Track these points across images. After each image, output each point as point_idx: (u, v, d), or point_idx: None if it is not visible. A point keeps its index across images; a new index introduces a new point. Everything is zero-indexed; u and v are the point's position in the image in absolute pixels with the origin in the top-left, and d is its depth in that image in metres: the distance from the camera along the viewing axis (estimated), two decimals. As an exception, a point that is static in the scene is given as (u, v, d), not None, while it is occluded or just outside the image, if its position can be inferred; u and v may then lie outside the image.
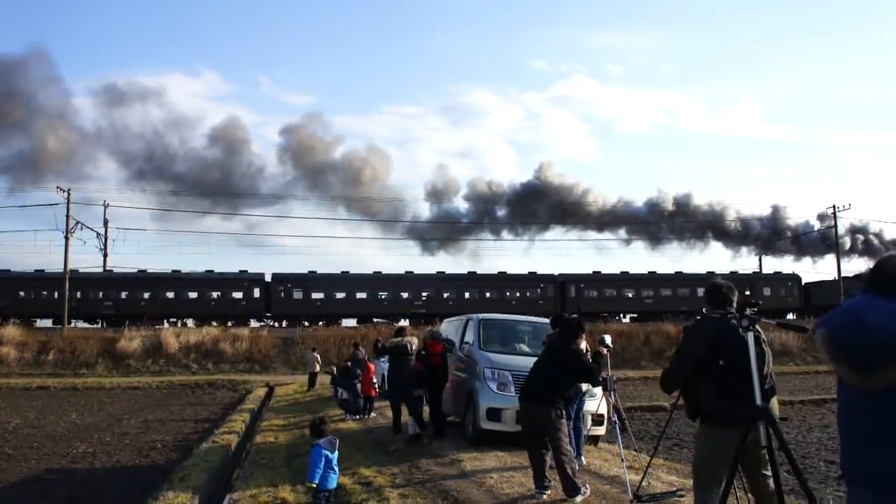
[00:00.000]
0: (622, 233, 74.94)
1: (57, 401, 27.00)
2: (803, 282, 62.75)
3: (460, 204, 75.79)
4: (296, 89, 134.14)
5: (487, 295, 54.83)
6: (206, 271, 53.17)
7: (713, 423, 5.31)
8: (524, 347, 12.63)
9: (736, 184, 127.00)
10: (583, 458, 10.15)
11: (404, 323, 17.61)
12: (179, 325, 49.80)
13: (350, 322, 52.17)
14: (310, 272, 54.39)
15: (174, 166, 71.16)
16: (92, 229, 53.47)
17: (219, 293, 52.20)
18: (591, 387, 10.05)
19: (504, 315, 15.99)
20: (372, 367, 18.29)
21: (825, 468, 12.15)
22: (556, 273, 57.78)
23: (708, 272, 60.55)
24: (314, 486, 7.60)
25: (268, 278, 53.31)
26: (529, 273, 57.53)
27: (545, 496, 7.90)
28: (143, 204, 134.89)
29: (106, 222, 56.97)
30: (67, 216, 46.83)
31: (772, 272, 65.56)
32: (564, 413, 8.31)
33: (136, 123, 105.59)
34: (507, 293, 55.42)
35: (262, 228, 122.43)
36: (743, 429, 5.18)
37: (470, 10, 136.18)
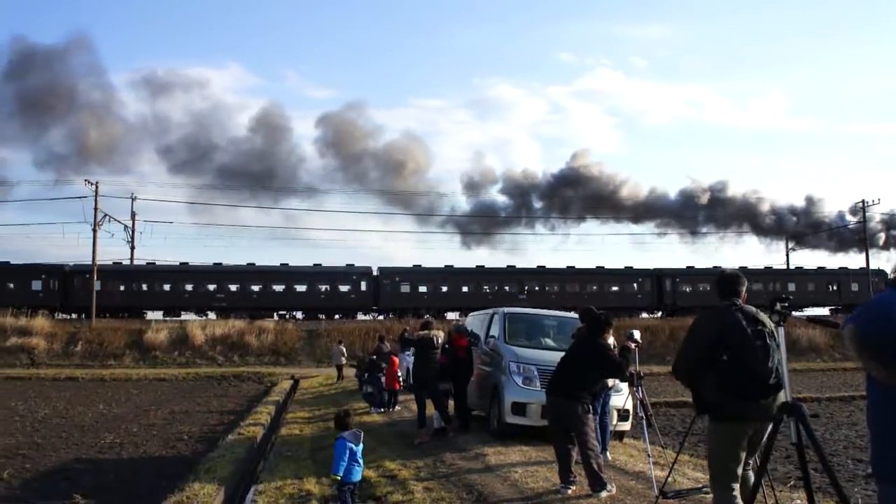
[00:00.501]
0: (653, 226, 74.22)
1: (85, 391, 27.40)
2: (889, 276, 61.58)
3: (497, 197, 75.25)
4: (319, 83, 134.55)
5: (587, 289, 55.29)
6: (314, 265, 54.02)
7: (721, 419, 5.27)
8: (549, 342, 12.55)
9: (762, 176, 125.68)
10: (608, 453, 10.09)
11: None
12: (288, 317, 51.13)
13: (454, 315, 52.19)
14: (415, 266, 55.52)
15: (216, 156, 71.54)
16: (119, 222, 54.08)
17: (327, 286, 52.95)
18: (617, 382, 10.00)
19: (529, 309, 15.95)
20: (396, 360, 18.28)
21: (853, 466, 12.01)
22: (653, 267, 58.24)
23: (797, 267, 60.45)
24: (339, 478, 7.62)
25: (375, 272, 53.96)
26: (626, 268, 58.09)
27: (570, 491, 7.85)
28: (178, 197, 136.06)
29: (133, 215, 57.70)
30: (95, 209, 47.44)
31: (858, 268, 64.50)
32: (591, 408, 8.27)
33: (177, 114, 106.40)
34: (605, 287, 56.13)
35: (296, 221, 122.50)
36: (752, 425, 5.15)
37: (495, 4, 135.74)
